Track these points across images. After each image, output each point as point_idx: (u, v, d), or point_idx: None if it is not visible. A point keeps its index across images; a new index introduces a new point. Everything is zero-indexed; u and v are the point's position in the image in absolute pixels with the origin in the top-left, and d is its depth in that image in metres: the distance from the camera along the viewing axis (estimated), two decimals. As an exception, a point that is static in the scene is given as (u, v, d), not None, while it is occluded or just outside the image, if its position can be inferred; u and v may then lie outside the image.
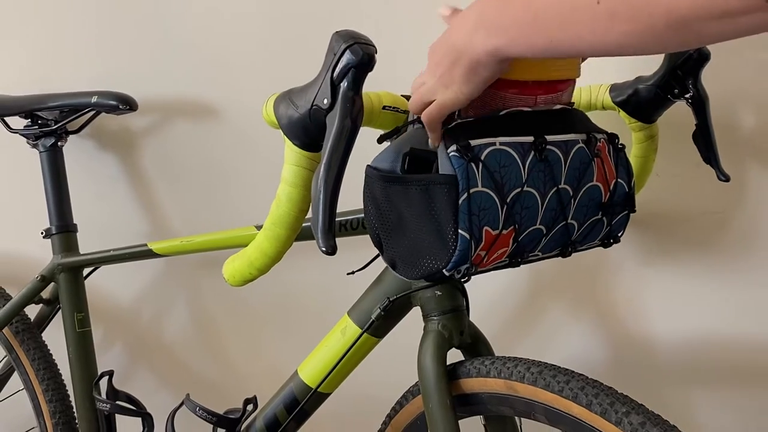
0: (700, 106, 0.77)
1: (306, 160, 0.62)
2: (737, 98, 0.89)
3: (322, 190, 0.56)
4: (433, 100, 0.57)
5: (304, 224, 0.66)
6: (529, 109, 0.63)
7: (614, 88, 0.82)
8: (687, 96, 0.77)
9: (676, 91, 0.77)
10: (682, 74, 0.77)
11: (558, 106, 0.65)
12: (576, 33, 0.46)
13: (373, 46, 0.57)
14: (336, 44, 0.57)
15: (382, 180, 0.61)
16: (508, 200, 0.60)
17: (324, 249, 0.56)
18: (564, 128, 0.64)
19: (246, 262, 0.66)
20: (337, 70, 0.56)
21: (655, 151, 0.84)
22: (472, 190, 0.58)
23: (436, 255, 0.59)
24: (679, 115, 0.81)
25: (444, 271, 0.60)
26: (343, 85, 0.57)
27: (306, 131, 0.61)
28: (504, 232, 0.60)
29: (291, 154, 0.62)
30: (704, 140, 0.78)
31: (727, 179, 0.79)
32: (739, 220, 0.90)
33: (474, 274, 0.63)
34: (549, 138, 0.62)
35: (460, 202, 0.57)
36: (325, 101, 0.58)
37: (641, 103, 0.80)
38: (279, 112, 0.62)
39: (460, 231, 0.58)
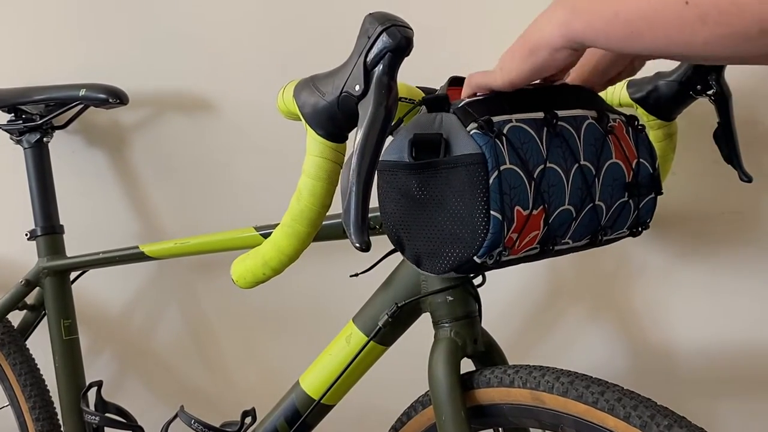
0: (723, 103, 0.78)
1: (331, 152, 0.62)
2: (761, 94, 0.90)
3: (355, 181, 0.55)
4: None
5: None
6: (530, 87, 0.64)
7: (632, 84, 0.82)
8: (710, 93, 0.78)
9: (699, 87, 0.78)
10: (705, 70, 0.77)
11: (558, 83, 0.67)
12: (661, 32, 0.47)
13: (411, 29, 0.57)
14: (371, 26, 0.56)
15: (407, 169, 0.60)
16: (534, 176, 0.60)
17: (357, 245, 0.55)
18: (569, 104, 0.65)
19: (260, 262, 0.66)
20: (372, 54, 0.56)
21: (674, 150, 0.85)
22: (502, 168, 0.58)
23: (464, 242, 0.59)
24: (696, 112, 0.82)
25: (475, 258, 0.59)
26: (378, 70, 0.56)
27: (332, 120, 0.60)
28: (534, 212, 0.60)
29: (314, 144, 0.62)
30: (726, 139, 0.79)
31: (749, 180, 0.80)
32: (761, 219, 0.91)
33: (505, 265, 0.63)
34: (558, 113, 0.64)
35: (490, 181, 0.58)
36: (357, 87, 0.57)
37: (661, 99, 0.80)
38: (301, 99, 0.62)
39: (492, 212, 0.58)
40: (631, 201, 0.69)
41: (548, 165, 0.61)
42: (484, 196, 0.58)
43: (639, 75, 0.82)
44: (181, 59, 1.09)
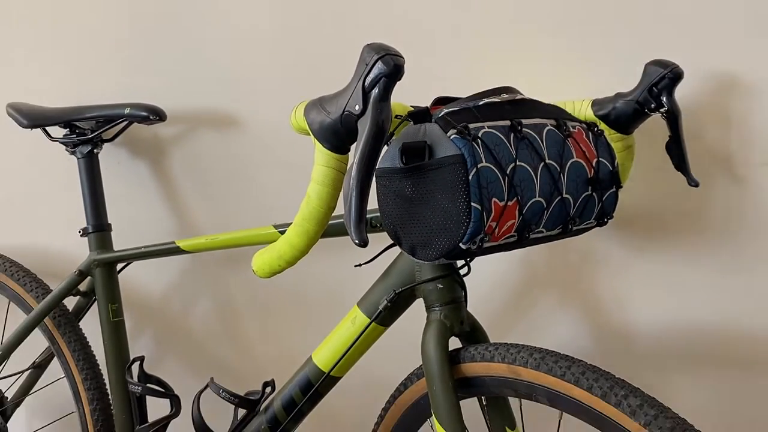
0: (673, 119, 0.80)
1: (335, 162, 0.64)
2: (706, 112, 0.91)
3: (355, 187, 0.58)
4: None
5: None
6: (497, 100, 0.68)
7: (596, 103, 0.84)
8: (662, 110, 0.79)
9: (653, 105, 0.80)
10: (658, 91, 0.79)
11: (518, 97, 0.71)
12: None
13: (402, 57, 0.59)
14: (368, 55, 0.59)
15: (399, 174, 0.63)
16: (507, 173, 0.63)
17: (356, 241, 0.58)
18: (529, 114, 0.69)
19: (275, 255, 0.68)
20: (369, 78, 0.58)
21: (632, 160, 0.87)
22: (479, 165, 0.61)
23: (451, 232, 0.62)
24: (650, 127, 0.84)
25: (461, 244, 0.62)
26: (374, 92, 0.58)
27: (336, 135, 0.63)
28: (509, 203, 0.63)
29: (321, 156, 0.64)
30: (677, 150, 0.81)
31: (696, 185, 0.82)
32: (707, 218, 0.92)
33: (488, 251, 0.66)
34: (522, 121, 0.67)
35: (470, 177, 0.60)
36: (357, 107, 0.60)
37: (620, 116, 0.81)
38: (310, 117, 0.65)
39: (472, 204, 0.60)
40: (594, 194, 0.71)
41: (518, 163, 0.64)
42: (465, 191, 0.60)
43: (602, 95, 0.85)
44: (212, 82, 1.11)
